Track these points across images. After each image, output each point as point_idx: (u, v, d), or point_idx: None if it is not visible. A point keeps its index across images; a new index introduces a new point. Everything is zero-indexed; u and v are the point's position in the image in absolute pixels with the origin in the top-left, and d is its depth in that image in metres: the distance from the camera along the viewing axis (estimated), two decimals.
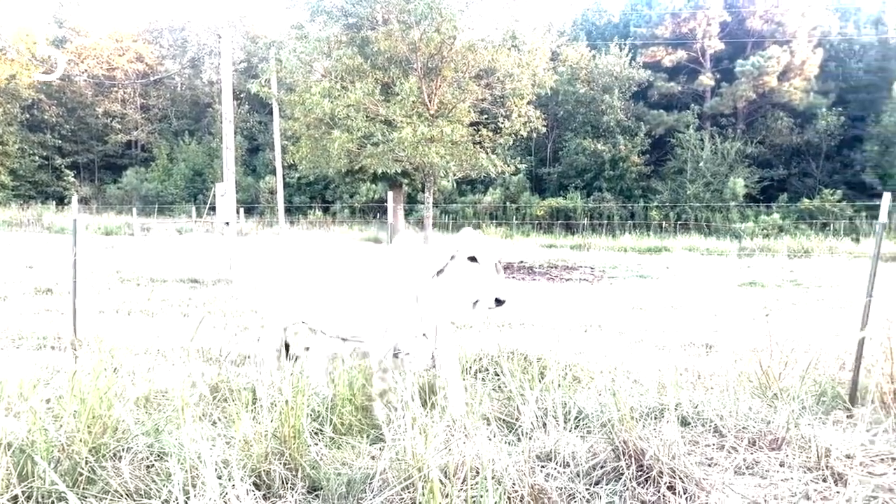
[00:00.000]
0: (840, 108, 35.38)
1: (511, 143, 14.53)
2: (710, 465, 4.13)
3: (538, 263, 20.04)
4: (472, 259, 4.54)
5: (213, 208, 15.19)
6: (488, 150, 13.56)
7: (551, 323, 9.35)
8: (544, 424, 4.28)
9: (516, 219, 32.41)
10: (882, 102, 33.84)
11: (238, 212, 26.06)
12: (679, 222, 31.12)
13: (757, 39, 36.29)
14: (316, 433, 4.35)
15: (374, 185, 26.33)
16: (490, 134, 13.54)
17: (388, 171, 13.22)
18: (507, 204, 34.19)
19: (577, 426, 4.38)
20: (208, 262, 15.19)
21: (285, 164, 21.44)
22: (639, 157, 35.54)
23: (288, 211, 33.61)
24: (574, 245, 26.43)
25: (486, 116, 14.04)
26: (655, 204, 33.29)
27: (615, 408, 3.95)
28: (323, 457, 4.01)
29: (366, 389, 4.82)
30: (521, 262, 20.17)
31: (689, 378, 5.79)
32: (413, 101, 12.37)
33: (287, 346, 5.67)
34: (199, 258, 16.16)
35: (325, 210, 34.52)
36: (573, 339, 8.14)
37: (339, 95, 12.24)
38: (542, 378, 5.24)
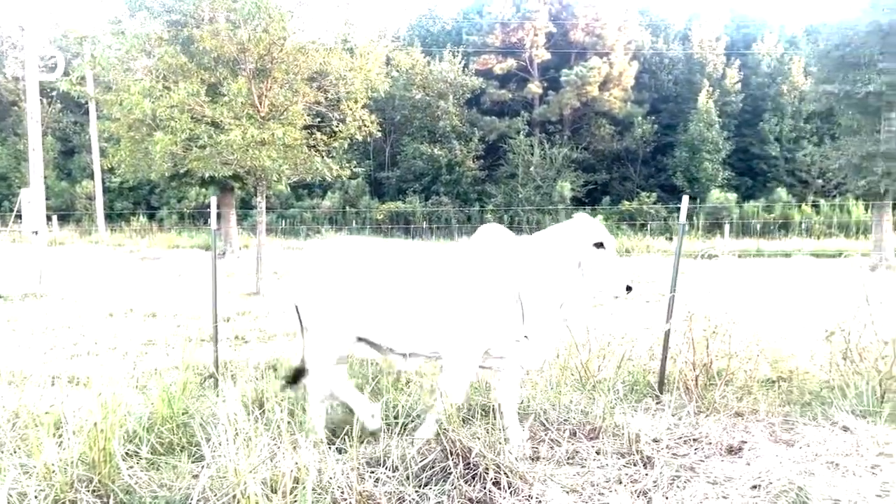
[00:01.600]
0: (654, 117, 38.31)
1: (347, 146, 14.39)
2: (535, 459, 4.29)
3: None
4: (599, 245, 4.21)
5: (19, 216, 13.83)
6: (323, 153, 13.34)
7: None
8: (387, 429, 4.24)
9: (356, 223, 32.28)
10: (689, 112, 37.01)
11: (50, 219, 23.99)
12: (513, 224, 32.34)
13: (580, 51, 38.47)
14: (131, 455, 4.06)
15: (204, 190, 25.19)
16: (325, 137, 13.33)
17: (216, 174, 12.64)
18: (347, 208, 33.98)
19: (414, 429, 4.40)
20: (15, 275, 13.87)
21: (104, 168, 19.99)
22: (474, 161, 36.56)
23: (109, 218, 31.41)
24: None
25: (320, 119, 13.82)
26: (490, 207, 34.39)
27: (443, 407, 4.00)
28: (138, 480, 3.74)
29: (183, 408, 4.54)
30: None
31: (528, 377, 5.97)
32: (242, 103, 11.93)
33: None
34: (5, 271, 14.71)
35: (151, 216, 32.55)
36: None
37: (161, 95, 11.57)
38: (377, 382, 5.21)
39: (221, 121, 11.57)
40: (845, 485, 3.86)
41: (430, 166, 36.19)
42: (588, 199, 35.46)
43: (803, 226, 31.46)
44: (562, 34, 39.13)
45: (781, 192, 34.75)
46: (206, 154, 11.82)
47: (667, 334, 5.44)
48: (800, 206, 33.71)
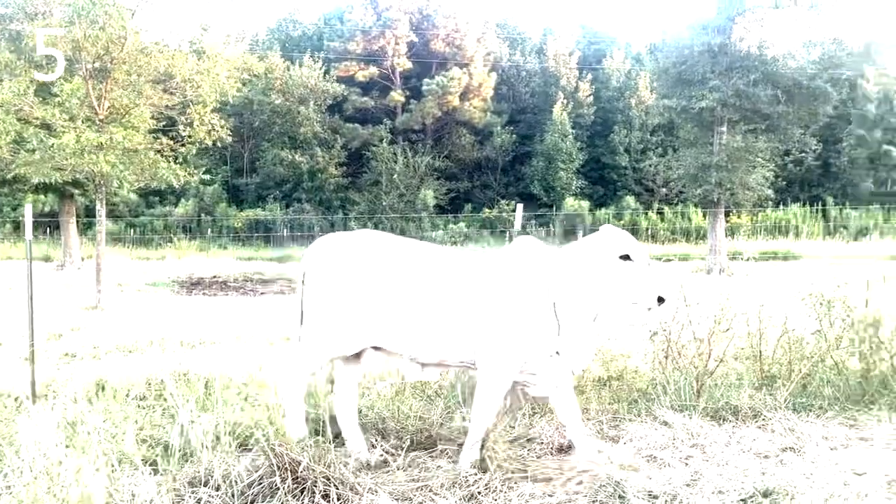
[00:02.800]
0: (512, 127, 39.55)
1: (198, 151, 13.83)
2: (371, 468, 4.26)
3: (233, 277, 19.41)
4: (625, 257, 4.11)
5: None
6: (170, 158, 12.75)
7: (235, 338, 9.06)
8: (210, 446, 4.07)
9: (212, 231, 31.09)
10: (545, 123, 38.49)
11: None
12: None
13: (441, 61, 39.07)
14: None
15: (43, 197, 23.41)
16: (171, 142, 12.74)
17: (49, 180, 11.78)
18: (202, 216, 32.66)
19: (244, 443, 4.25)
20: None
21: None
22: (336, 168, 36.24)
23: None
24: (274, 257, 26.07)
25: (164, 124, 13.21)
26: (354, 214, 34.19)
27: (268, 422, 3.90)
28: None
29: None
30: (215, 276, 19.39)
31: (365, 383, 5.93)
32: (79, 104, 11.20)
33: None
34: None
35: None
36: (258, 353, 7.94)
37: None
38: (208, 397, 5.00)
39: (53, 123, 10.79)
40: (660, 476, 4.10)
41: (291, 173, 35.50)
42: (451, 207, 36.04)
43: (649, 231, 33.46)
44: (423, 44, 39.60)
45: (630, 200, 36.82)
46: (36, 158, 10.98)
47: None
48: (646, 213, 35.85)
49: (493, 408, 4.17)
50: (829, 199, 35.65)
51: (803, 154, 34.76)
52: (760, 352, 5.78)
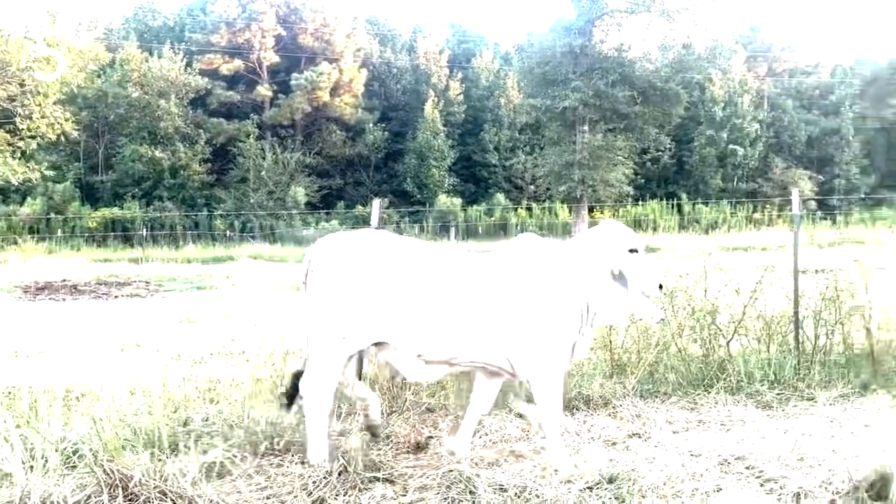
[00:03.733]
0: (384, 124, 39.47)
1: (34, 146, 12.81)
2: (220, 477, 4.04)
3: (85, 281, 18.17)
4: (633, 250, 4.26)
5: None
6: (6, 154, 11.73)
7: (80, 346, 8.43)
8: (29, 467, 3.71)
9: (63, 232, 28.99)
10: (417, 121, 38.67)
11: None
12: (244, 230, 31.29)
13: (309, 55, 38.39)
14: None
15: None
16: (7, 136, 11.72)
17: None
18: (52, 215, 30.41)
19: (70, 461, 3.91)
20: None
21: None
22: (200, 165, 34.81)
23: None
24: (132, 258, 24.65)
25: None
26: (220, 212, 32.95)
27: (97, 436, 3.60)
28: None
29: None
30: (65, 280, 18.08)
31: (220, 389, 5.64)
32: None
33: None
34: None
35: None
36: (104, 360, 7.41)
37: None
38: (34, 413, 4.58)
39: None
40: (511, 469, 4.13)
41: (151, 170, 33.74)
42: (322, 204, 35.48)
43: (519, 228, 34.33)
44: (291, 37, 38.74)
45: (500, 197, 37.66)
46: None
47: None
48: (516, 210, 36.80)
49: (559, 401, 4.19)
50: (684, 195, 37.89)
51: (659, 153, 36.72)
52: (611, 342, 5.98)
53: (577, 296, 4.20)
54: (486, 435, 4.76)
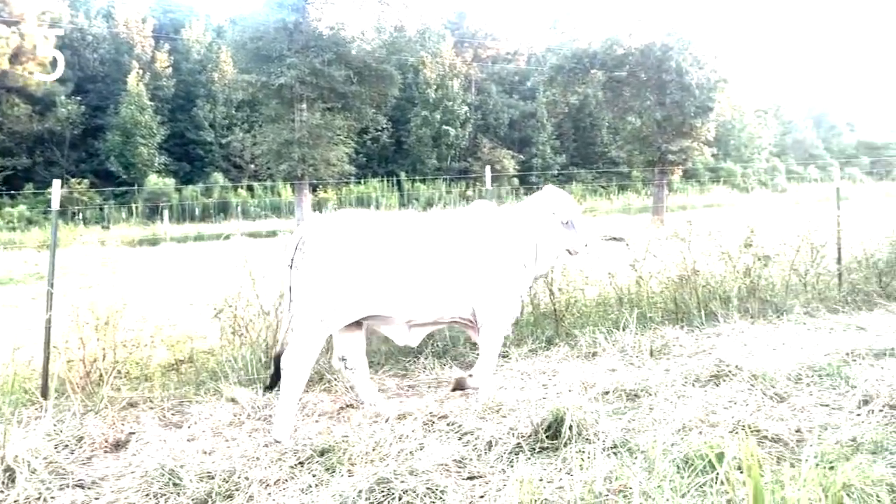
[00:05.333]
0: (80, 97, 35.51)
1: None
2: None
3: None
4: (571, 214, 5.02)
5: None
6: None
7: None
8: None
9: None
10: (119, 94, 35.41)
11: None
12: None
13: None
14: None
15: None
16: None
17: None
18: None
19: None
20: None
21: None
22: None
23: None
24: None
25: None
26: None
27: None
28: None
29: None
30: None
31: None
32: None
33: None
34: None
35: None
36: None
37: None
38: None
39: None
40: (219, 454, 4.01)
41: None
42: (6, 187, 31.11)
43: (240, 209, 33.21)
44: None
45: (218, 177, 36.06)
46: None
47: (47, 333, 4.92)
48: (236, 190, 35.52)
49: (499, 345, 4.96)
50: (403, 174, 39.41)
51: (378, 132, 37.69)
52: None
53: (523, 252, 4.92)
54: (196, 423, 4.56)
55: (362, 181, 36.89)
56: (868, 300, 7.71)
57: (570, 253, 5.14)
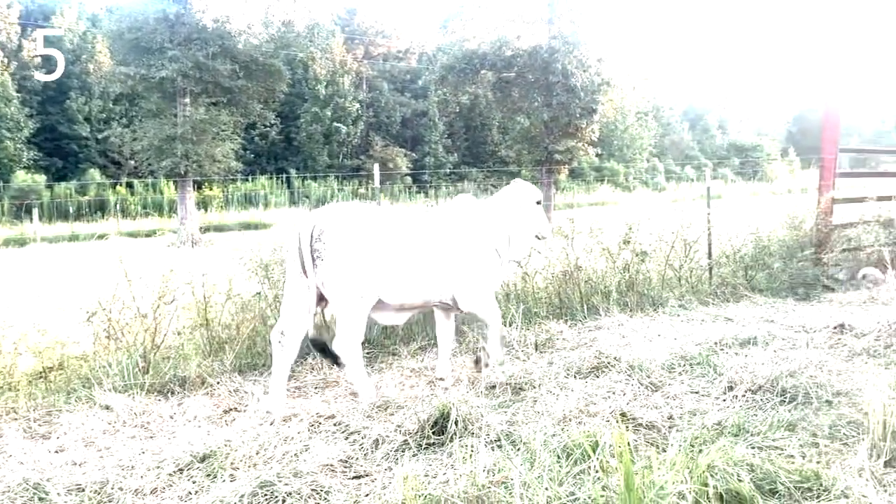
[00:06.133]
0: None
1: None
2: None
3: None
4: (539, 202, 5.71)
5: None
6: None
7: None
8: None
9: None
10: None
11: None
12: None
13: None
14: None
15: None
16: None
17: None
18: None
19: None
20: None
21: None
22: None
23: None
24: None
25: None
26: None
27: None
28: None
29: None
30: None
31: None
32: None
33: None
34: None
35: None
36: None
37: None
38: None
39: None
40: (91, 465, 3.81)
41: None
42: None
43: (118, 206, 31.61)
44: None
45: (95, 173, 34.24)
46: None
47: None
48: (114, 187, 33.81)
49: (498, 316, 5.49)
50: (293, 171, 38.72)
51: (267, 128, 36.85)
52: (208, 319, 5.85)
53: (496, 240, 5.45)
54: (66, 434, 4.30)
55: (250, 178, 35.97)
56: (735, 292, 8.22)
57: (538, 238, 5.86)
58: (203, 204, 31.32)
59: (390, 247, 4.82)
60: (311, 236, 4.68)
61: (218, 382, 5.21)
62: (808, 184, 25.56)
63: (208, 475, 3.67)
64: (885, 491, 3.20)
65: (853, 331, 6.11)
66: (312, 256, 4.67)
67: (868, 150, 23.57)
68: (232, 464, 3.75)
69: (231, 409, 4.83)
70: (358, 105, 42.15)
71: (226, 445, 3.96)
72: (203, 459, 3.84)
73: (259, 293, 6.09)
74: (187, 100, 23.04)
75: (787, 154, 54.17)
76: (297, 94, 39.18)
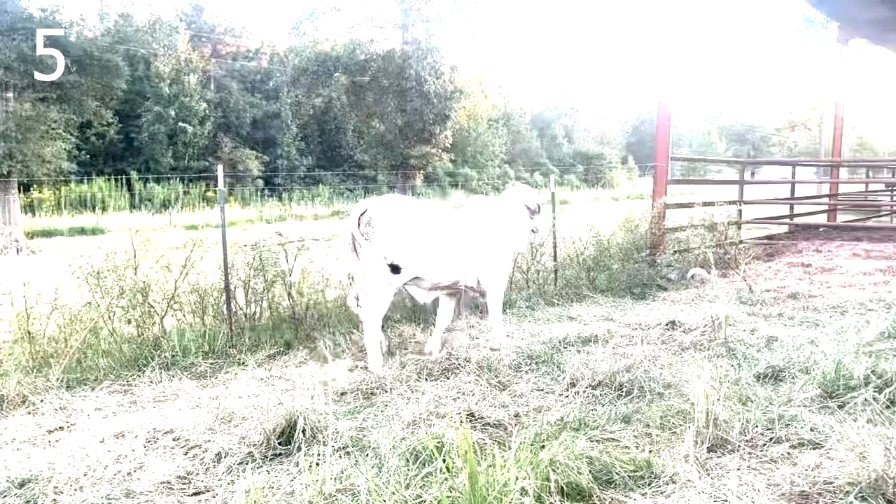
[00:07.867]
0: None
1: None
2: None
3: None
4: (537, 206, 6.68)
5: None
6: None
7: None
8: None
9: None
10: None
11: None
12: None
13: None
14: None
15: None
16: None
17: None
18: None
19: None
20: None
21: None
22: None
23: None
24: None
25: None
26: None
27: None
28: None
29: None
30: None
31: None
32: None
33: None
34: None
35: None
36: None
37: None
38: None
39: None
40: None
41: None
42: None
43: None
44: None
45: None
46: None
47: None
48: None
49: (501, 298, 6.33)
50: (134, 173, 36.49)
51: (104, 127, 34.54)
52: (29, 332, 5.36)
53: (509, 233, 6.29)
54: None
55: (85, 180, 33.55)
56: (578, 293, 8.61)
57: (533, 232, 6.70)
58: (30, 207, 28.88)
59: (430, 233, 5.60)
60: (360, 221, 5.45)
61: (42, 400, 4.78)
62: (644, 190, 27.33)
63: (28, 501, 3.35)
64: (709, 475, 3.44)
65: (682, 327, 6.57)
66: (363, 237, 5.42)
67: (696, 159, 25.56)
68: (55, 488, 3.44)
69: (56, 429, 4.45)
70: (205, 105, 40.41)
71: (49, 468, 3.64)
72: (22, 485, 3.50)
73: (90, 302, 5.66)
74: (10, 94, 21.15)
75: (627, 162, 57.72)
76: (138, 91, 37.01)
